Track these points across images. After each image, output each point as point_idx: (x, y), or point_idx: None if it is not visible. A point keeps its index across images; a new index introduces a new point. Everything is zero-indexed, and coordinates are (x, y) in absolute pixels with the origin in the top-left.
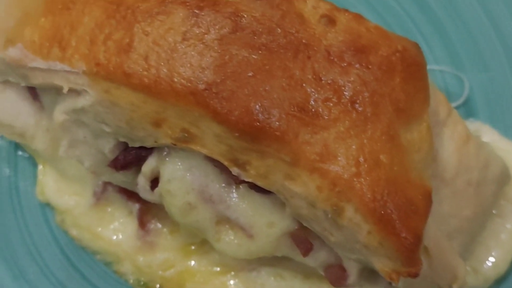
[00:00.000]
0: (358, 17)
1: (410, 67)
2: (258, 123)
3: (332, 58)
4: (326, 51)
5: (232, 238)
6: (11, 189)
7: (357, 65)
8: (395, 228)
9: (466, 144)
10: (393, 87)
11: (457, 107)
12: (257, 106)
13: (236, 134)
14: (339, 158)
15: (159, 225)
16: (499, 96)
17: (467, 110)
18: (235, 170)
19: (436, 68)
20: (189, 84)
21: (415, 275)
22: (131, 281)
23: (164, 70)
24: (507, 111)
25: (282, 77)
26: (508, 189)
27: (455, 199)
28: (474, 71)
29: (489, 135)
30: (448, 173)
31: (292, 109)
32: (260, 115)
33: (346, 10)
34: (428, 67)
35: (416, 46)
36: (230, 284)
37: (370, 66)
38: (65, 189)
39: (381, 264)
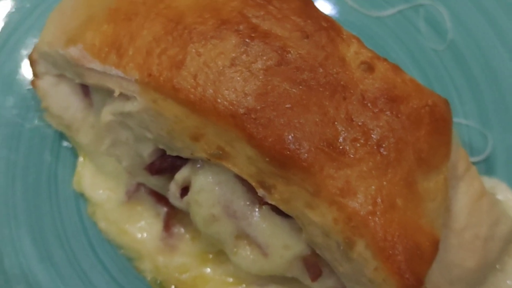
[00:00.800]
0: (396, 68)
1: (437, 122)
2: (288, 152)
3: (365, 102)
4: (361, 95)
5: (248, 253)
6: (50, 175)
7: (388, 112)
8: (400, 269)
9: (479, 200)
10: (418, 138)
11: (478, 162)
12: (290, 136)
13: (267, 159)
14: (358, 196)
15: (182, 230)
16: None
17: (487, 166)
18: (260, 192)
19: (464, 122)
20: (230, 107)
21: None
22: (149, 278)
23: (210, 90)
24: None
25: (316, 113)
26: None
27: (462, 249)
28: (500, 131)
29: (504, 193)
30: (458, 225)
31: (322, 144)
32: (291, 145)
33: (386, 60)
34: (456, 120)
35: (446, 103)
36: None
37: (399, 115)
38: (100, 183)
39: None
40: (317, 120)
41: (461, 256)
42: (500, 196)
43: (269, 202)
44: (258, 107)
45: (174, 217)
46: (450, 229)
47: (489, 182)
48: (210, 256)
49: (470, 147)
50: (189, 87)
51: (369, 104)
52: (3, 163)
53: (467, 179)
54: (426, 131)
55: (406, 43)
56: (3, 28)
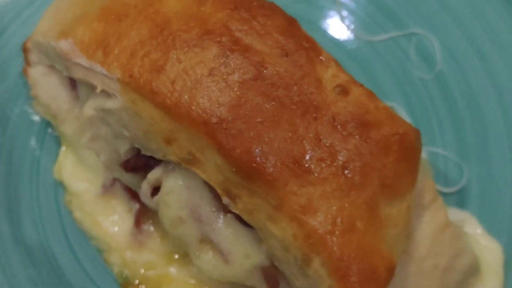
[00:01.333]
0: (371, 94)
1: (406, 151)
2: (254, 164)
3: (336, 124)
4: (332, 117)
5: (211, 258)
6: (33, 161)
7: (357, 137)
8: None
9: (442, 231)
10: (385, 164)
11: (450, 194)
12: (257, 150)
13: (234, 169)
14: (318, 214)
15: (152, 228)
16: (493, 194)
17: (460, 198)
18: (225, 200)
19: (442, 152)
20: (203, 115)
21: None
22: (115, 271)
23: (186, 97)
24: (497, 210)
25: (286, 130)
26: (473, 281)
27: (420, 278)
28: (477, 165)
29: (473, 227)
30: (418, 253)
31: (288, 160)
32: (258, 158)
33: (362, 85)
34: (434, 149)
35: (417, 133)
36: None
37: (368, 140)
38: (79, 174)
39: None
40: (286, 136)
41: (419, 284)
42: (468, 229)
43: (233, 211)
44: (230, 118)
45: (145, 214)
46: (411, 256)
47: (460, 215)
48: (176, 256)
49: (446, 177)
50: (166, 91)
51: (339, 127)
52: None
53: (432, 210)
54: (393, 159)
55: (394, 69)
56: (2, 16)
